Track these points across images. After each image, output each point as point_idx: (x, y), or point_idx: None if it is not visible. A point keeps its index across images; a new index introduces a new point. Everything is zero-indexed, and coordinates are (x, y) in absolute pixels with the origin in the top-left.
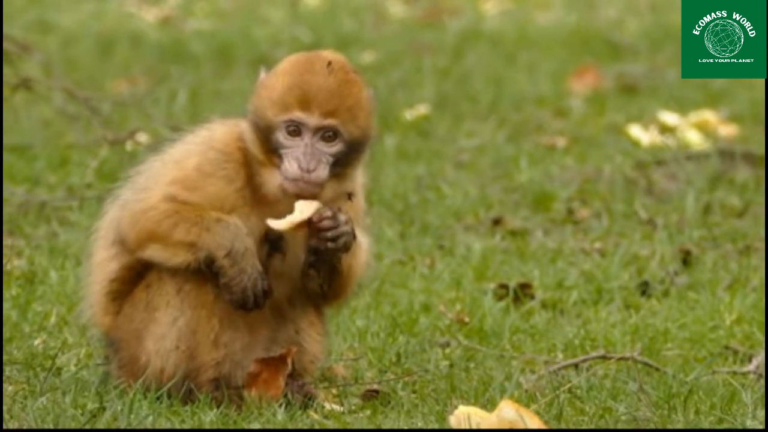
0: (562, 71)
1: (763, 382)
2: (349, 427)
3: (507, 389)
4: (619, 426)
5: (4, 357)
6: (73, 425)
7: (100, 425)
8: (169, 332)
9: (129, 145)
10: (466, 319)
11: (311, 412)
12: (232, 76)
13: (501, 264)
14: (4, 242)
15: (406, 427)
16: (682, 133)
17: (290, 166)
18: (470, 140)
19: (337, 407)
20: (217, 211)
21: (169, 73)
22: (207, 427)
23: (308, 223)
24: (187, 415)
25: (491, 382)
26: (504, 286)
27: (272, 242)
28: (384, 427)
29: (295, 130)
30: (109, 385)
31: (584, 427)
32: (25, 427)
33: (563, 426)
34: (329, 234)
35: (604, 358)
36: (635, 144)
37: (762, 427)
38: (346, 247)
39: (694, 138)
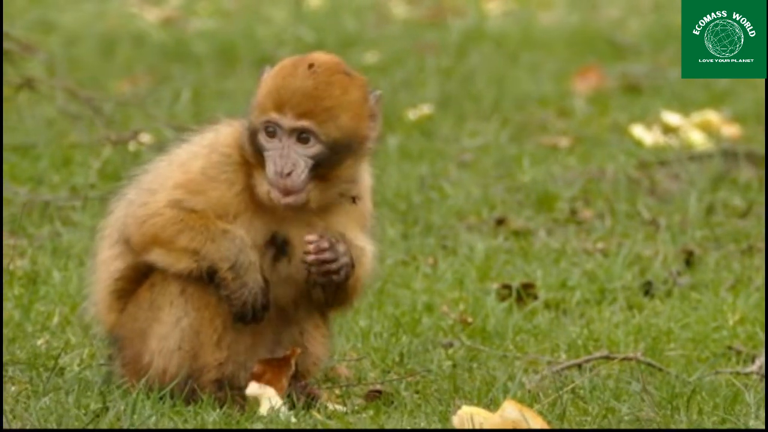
0: (565, 71)
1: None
2: (352, 427)
3: (510, 389)
4: (623, 426)
5: (7, 357)
6: (76, 425)
7: (103, 425)
8: (173, 332)
9: (132, 145)
10: (469, 320)
11: (314, 413)
12: (235, 76)
13: (504, 264)
14: (7, 242)
15: (409, 428)
16: (685, 133)
17: (269, 169)
18: (473, 140)
19: (340, 407)
20: (222, 215)
21: (171, 73)
22: (210, 427)
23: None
24: (190, 415)
25: (494, 382)
26: (507, 287)
27: (278, 246)
28: (387, 427)
29: (272, 131)
30: (112, 385)
31: (587, 427)
32: (28, 427)
33: (566, 426)
34: (330, 267)
35: (607, 358)
36: (638, 144)
37: (764, 427)
38: (346, 277)
39: (697, 138)
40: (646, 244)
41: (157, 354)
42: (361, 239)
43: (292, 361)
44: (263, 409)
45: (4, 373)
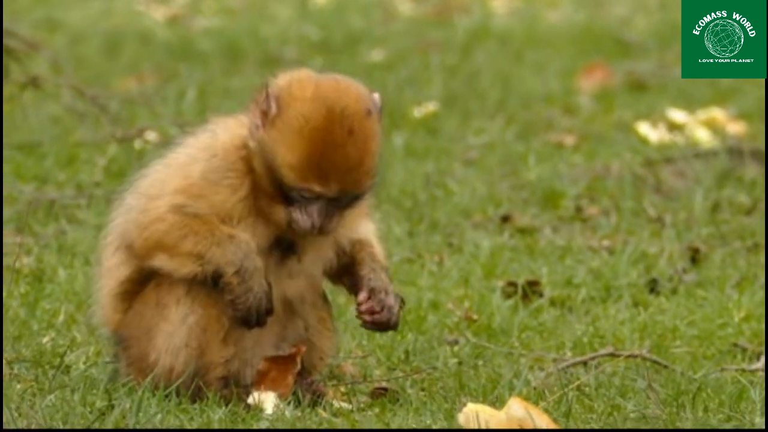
0: (570, 69)
1: None
2: (357, 424)
3: (516, 387)
4: (628, 423)
5: (13, 355)
6: (81, 423)
7: (109, 423)
8: (179, 330)
9: (137, 143)
10: (475, 317)
11: (320, 410)
12: (241, 74)
13: (509, 261)
14: (13, 240)
15: (414, 425)
16: (690, 130)
17: (301, 218)
18: (479, 138)
19: (345, 405)
20: (225, 220)
21: (177, 71)
22: (215, 424)
23: (357, 312)
24: (196, 413)
25: (500, 379)
26: (512, 284)
27: (285, 246)
28: (392, 424)
29: (312, 196)
30: (117, 383)
31: (593, 424)
32: (33, 425)
33: (572, 423)
34: (384, 322)
35: (612, 355)
36: (644, 141)
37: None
38: (398, 319)
39: (702, 135)
40: (651, 241)
41: (164, 352)
42: (363, 228)
43: (298, 359)
44: (269, 408)
45: (10, 371)
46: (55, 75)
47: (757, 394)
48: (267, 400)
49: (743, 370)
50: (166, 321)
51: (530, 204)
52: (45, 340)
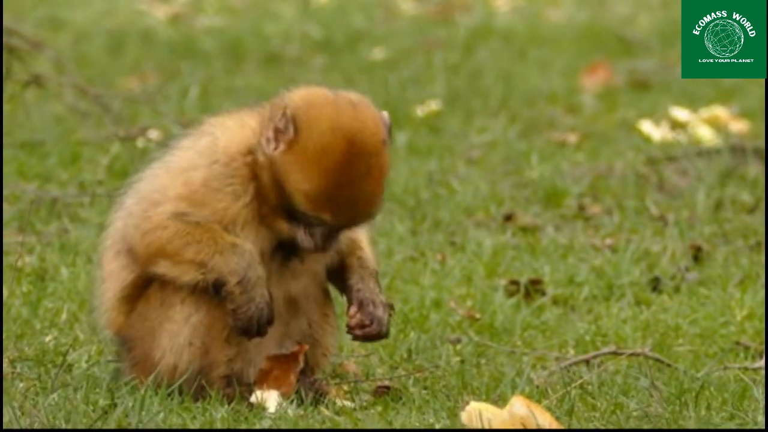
0: (573, 67)
1: None
2: (360, 423)
3: (518, 385)
4: (631, 422)
5: (16, 353)
6: (84, 422)
7: (112, 422)
8: (183, 329)
9: (140, 142)
10: (477, 316)
11: (322, 409)
12: (243, 73)
13: (512, 260)
14: (16, 239)
15: (417, 424)
16: (693, 129)
17: (305, 238)
18: (481, 136)
19: (348, 403)
20: (228, 227)
21: (179, 69)
22: (218, 423)
23: (348, 327)
24: (198, 411)
25: (502, 378)
26: (515, 282)
27: (288, 249)
28: (395, 423)
29: (319, 224)
30: (120, 382)
31: (595, 423)
32: (36, 424)
33: (574, 421)
34: (374, 334)
35: (615, 354)
36: (646, 140)
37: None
38: (388, 330)
39: (705, 134)
40: (654, 239)
41: (168, 351)
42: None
43: (301, 358)
44: (271, 406)
45: (13, 369)
46: (57, 74)
47: (759, 393)
48: (270, 398)
49: (746, 369)
50: (170, 320)
51: (533, 202)
52: (47, 338)
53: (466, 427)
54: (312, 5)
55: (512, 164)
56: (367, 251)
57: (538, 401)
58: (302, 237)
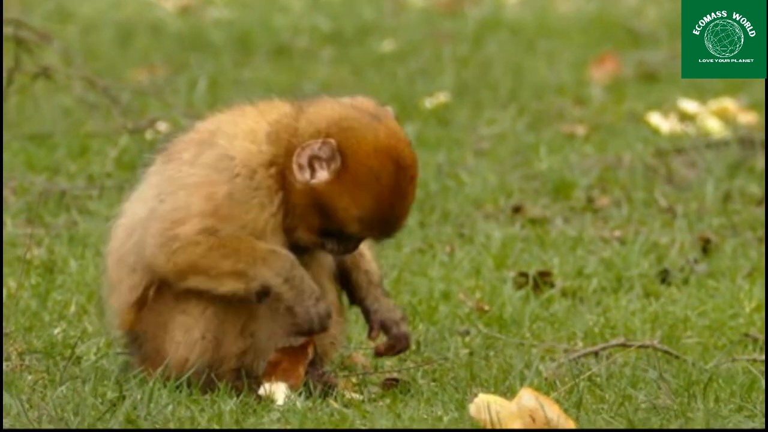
0: (581, 59)
1: None
2: (368, 415)
3: (527, 377)
4: (639, 413)
5: (24, 346)
6: (92, 414)
7: (120, 414)
8: (198, 321)
9: (149, 134)
10: (486, 308)
11: (331, 401)
12: (252, 65)
13: (521, 252)
14: (24, 231)
15: (425, 416)
16: (701, 120)
17: (336, 248)
18: (490, 128)
19: (356, 396)
20: (259, 236)
21: (188, 61)
22: (226, 415)
23: (377, 352)
24: (207, 404)
25: (511, 370)
26: (524, 274)
27: (300, 246)
28: (403, 415)
29: (363, 238)
30: (129, 374)
31: (604, 414)
32: (44, 417)
33: (583, 413)
34: (405, 348)
35: (623, 346)
36: (655, 132)
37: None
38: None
39: (713, 126)
40: (662, 231)
41: (182, 345)
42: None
43: (309, 350)
44: (280, 399)
45: (21, 362)
46: (66, 66)
47: None
48: (278, 391)
49: (754, 360)
50: (184, 313)
51: (541, 194)
52: (56, 331)
53: (474, 419)
54: None
55: (521, 156)
56: (369, 259)
57: (547, 393)
58: (333, 247)
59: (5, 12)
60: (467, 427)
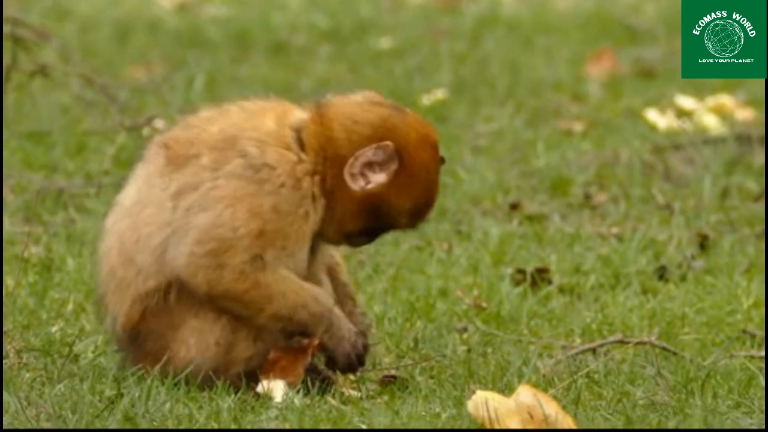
0: (579, 56)
1: None
2: (366, 412)
3: (524, 374)
4: (637, 410)
5: (22, 344)
6: (90, 412)
7: (118, 411)
8: (212, 328)
9: (146, 132)
10: (484, 304)
11: (329, 398)
12: (250, 62)
13: (518, 249)
14: (22, 229)
15: (423, 413)
16: (699, 117)
17: (359, 240)
18: (488, 125)
19: (354, 393)
20: (300, 247)
21: (186, 59)
22: (224, 412)
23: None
24: (205, 401)
25: (509, 367)
26: (521, 271)
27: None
28: (401, 412)
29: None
30: (126, 372)
31: (602, 411)
32: (42, 414)
33: (581, 410)
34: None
35: (621, 342)
36: (652, 128)
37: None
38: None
39: (711, 122)
40: (660, 228)
41: (193, 347)
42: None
43: (309, 352)
44: (278, 396)
45: (19, 360)
46: (64, 64)
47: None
48: (276, 388)
49: (752, 357)
50: (197, 318)
51: (539, 191)
52: (54, 329)
53: (472, 416)
54: None
55: (518, 153)
56: (344, 269)
57: (545, 390)
58: (359, 242)
59: (3, 10)
60: (465, 424)
